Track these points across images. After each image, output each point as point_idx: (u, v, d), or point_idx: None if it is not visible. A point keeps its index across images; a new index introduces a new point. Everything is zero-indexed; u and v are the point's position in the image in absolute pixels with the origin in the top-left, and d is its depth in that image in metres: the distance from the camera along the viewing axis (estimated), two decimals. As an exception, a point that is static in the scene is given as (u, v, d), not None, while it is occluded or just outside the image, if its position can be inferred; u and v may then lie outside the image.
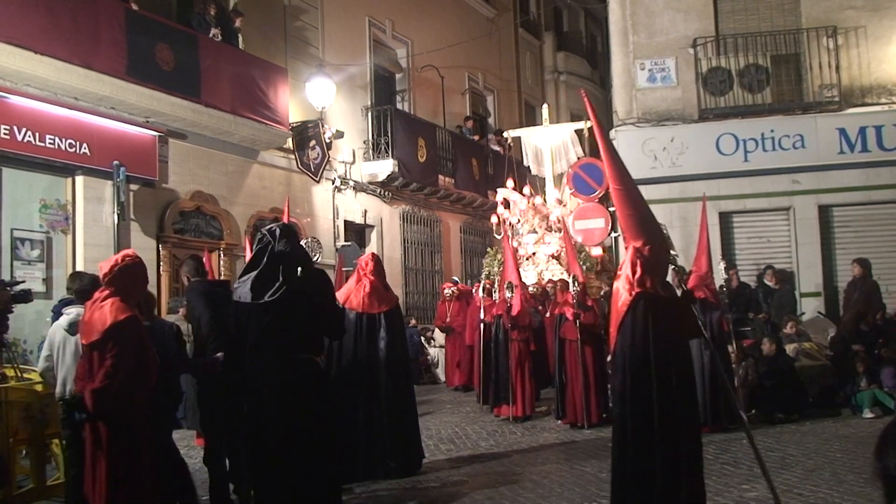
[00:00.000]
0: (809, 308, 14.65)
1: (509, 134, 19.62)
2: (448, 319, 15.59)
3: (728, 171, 14.90)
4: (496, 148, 22.72)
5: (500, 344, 11.73)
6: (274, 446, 5.28)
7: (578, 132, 18.21)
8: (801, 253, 14.97)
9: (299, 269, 5.40)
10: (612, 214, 16.02)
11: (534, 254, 16.61)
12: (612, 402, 5.32)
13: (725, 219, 15.04)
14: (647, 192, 14.54)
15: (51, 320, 7.99)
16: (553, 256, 16.58)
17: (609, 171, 5.24)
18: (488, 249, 18.45)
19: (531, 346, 11.87)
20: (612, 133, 15.78)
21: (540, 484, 7.59)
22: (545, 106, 19.36)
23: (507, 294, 11.65)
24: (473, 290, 15.78)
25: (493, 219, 17.61)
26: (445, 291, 16.18)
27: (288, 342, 5.34)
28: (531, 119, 24.90)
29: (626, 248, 5.27)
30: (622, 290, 5.17)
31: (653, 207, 16.56)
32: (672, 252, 5.57)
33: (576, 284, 10.94)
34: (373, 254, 9.06)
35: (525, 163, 18.88)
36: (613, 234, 16.14)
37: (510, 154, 19.70)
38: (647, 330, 5.07)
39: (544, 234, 16.90)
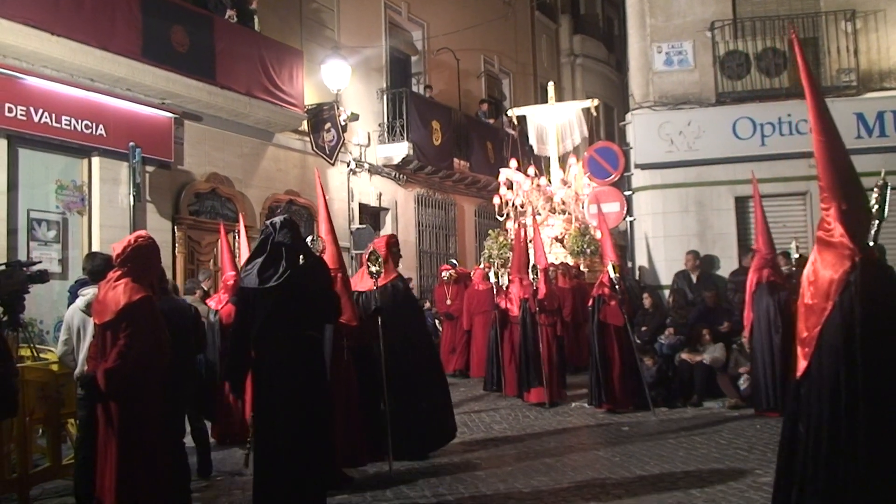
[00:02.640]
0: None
1: (514, 113, 19.43)
2: (448, 303, 15.48)
3: (745, 155, 14.75)
4: (511, 131, 22.64)
5: (528, 328, 11.38)
6: (282, 412, 5.74)
7: (585, 111, 18.07)
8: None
9: (301, 257, 5.95)
10: (628, 199, 15.93)
11: (537, 236, 16.51)
12: (803, 378, 4.57)
13: (741, 203, 14.89)
14: (662, 176, 14.71)
15: (67, 301, 8.03)
16: (556, 239, 16.46)
17: (813, 118, 4.83)
18: (489, 232, 18.33)
19: (559, 332, 11.64)
20: (629, 116, 15.67)
21: (553, 467, 7.60)
22: (551, 84, 19.21)
23: (532, 277, 11.24)
24: (472, 274, 15.67)
25: (496, 200, 17.52)
26: (443, 275, 16.01)
27: (293, 321, 5.84)
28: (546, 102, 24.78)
29: (826, 207, 4.77)
30: (829, 256, 4.60)
31: (669, 191, 16.32)
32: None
33: (615, 270, 10.56)
34: (389, 235, 9.03)
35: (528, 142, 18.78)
36: (629, 219, 16.03)
37: (517, 133, 19.55)
38: (884, 298, 4.47)
39: (548, 216, 16.80)
